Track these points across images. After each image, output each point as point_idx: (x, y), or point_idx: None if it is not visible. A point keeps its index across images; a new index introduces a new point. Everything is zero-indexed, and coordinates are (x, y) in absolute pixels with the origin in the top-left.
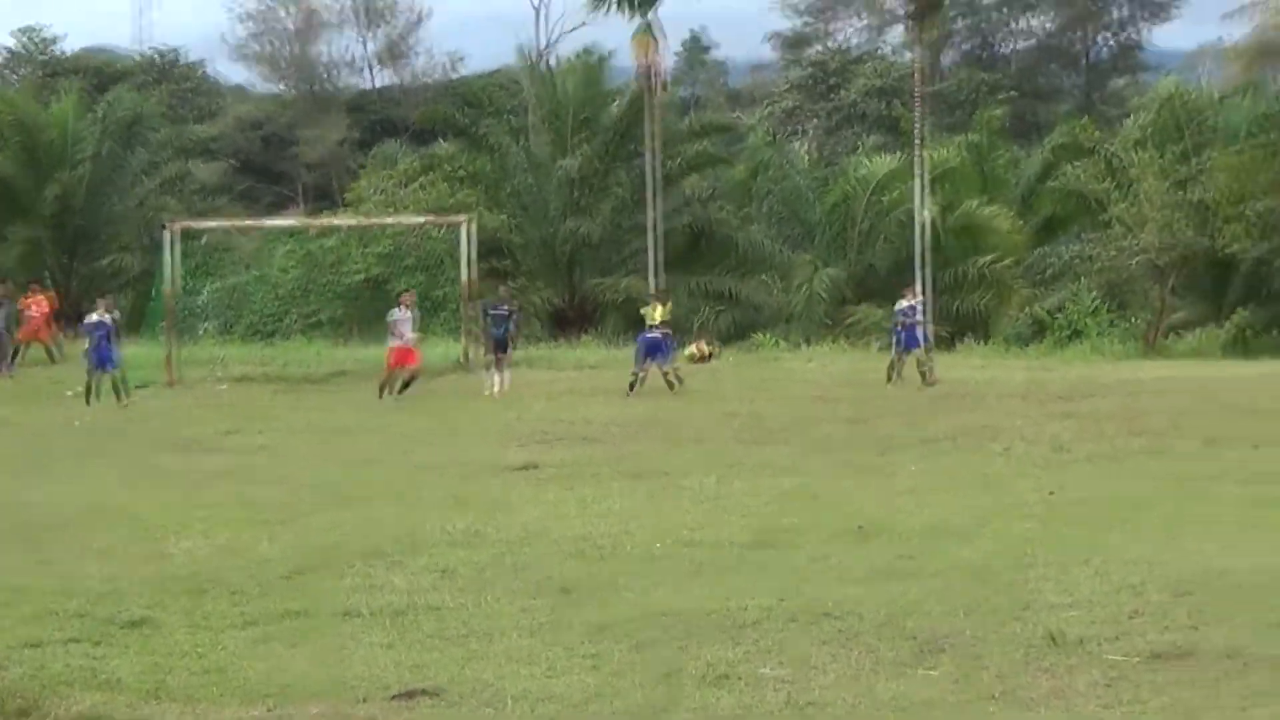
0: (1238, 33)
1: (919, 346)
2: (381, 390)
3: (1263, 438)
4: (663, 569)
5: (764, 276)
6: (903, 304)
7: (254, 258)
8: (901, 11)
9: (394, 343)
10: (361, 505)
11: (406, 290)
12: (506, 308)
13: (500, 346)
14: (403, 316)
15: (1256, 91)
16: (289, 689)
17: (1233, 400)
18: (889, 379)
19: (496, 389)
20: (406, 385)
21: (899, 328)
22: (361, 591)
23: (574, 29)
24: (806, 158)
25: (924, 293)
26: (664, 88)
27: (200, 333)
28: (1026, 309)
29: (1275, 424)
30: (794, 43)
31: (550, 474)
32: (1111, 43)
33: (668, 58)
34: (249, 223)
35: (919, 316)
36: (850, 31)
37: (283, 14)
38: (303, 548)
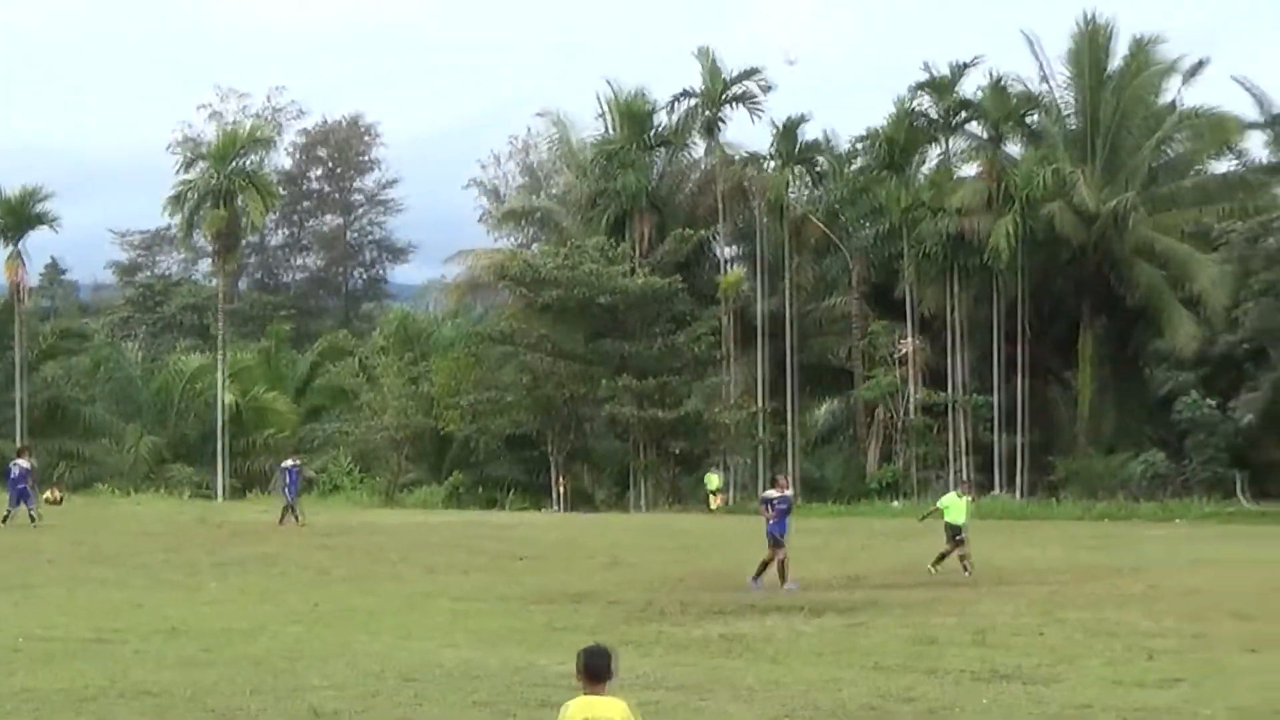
0: (455, 271)
1: (295, 495)
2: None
3: (471, 566)
4: (24, 658)
5: (104, 440)
6: (286, 463)
7: None
8: (209, 249)
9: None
10: None
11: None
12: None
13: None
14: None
15: (466, 315)
16: None
17: (447, 539)
18: (281, 520)
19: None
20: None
21: (289, 482)
22: None
23: None
24: (138, 354)
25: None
26: (28, 298)
27: None
28: None
29: (479, 556)
30: (129, 269)
31: None
32: (364, 277)
33: (32, 277)
34: None
35: (290, 480)
36: (170, 262)
37: None
38: None
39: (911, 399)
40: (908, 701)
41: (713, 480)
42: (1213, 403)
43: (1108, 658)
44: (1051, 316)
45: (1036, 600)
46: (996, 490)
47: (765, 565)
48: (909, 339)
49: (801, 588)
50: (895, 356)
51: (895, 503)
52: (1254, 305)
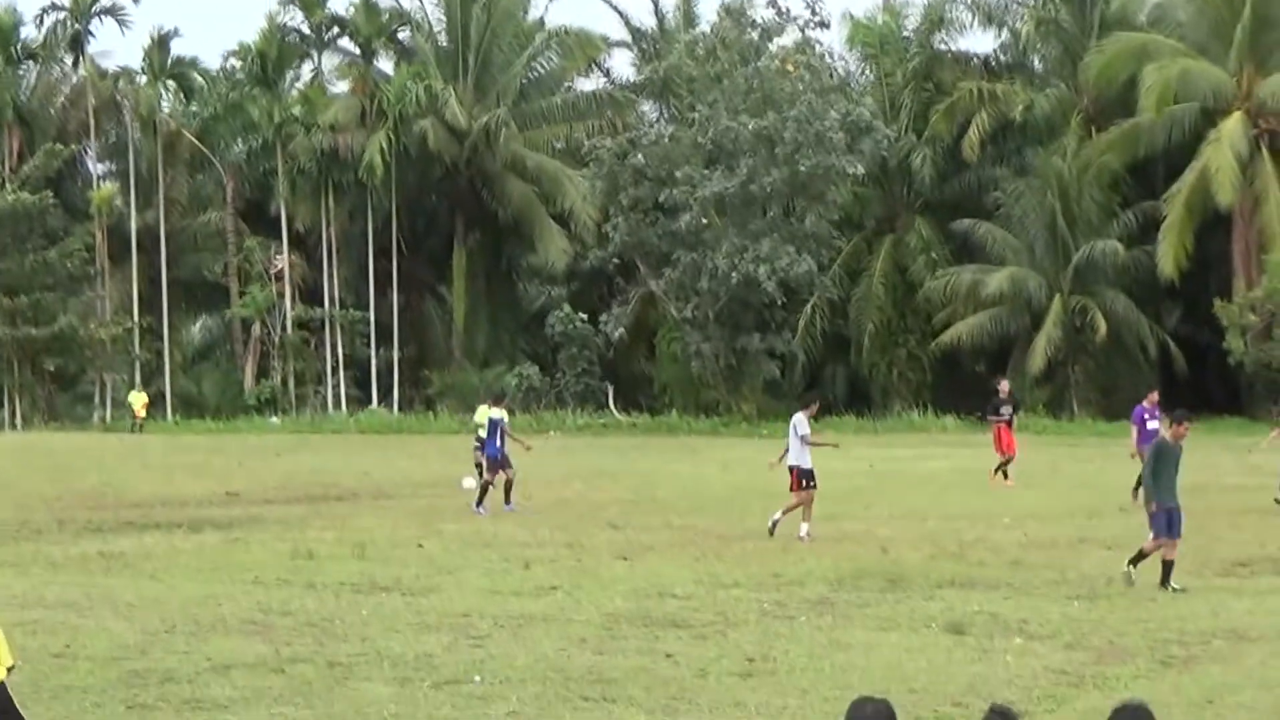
0: None
1: None
2: None
3: None
4: None
5: None
6: None
7: None
8: None
9: None
10: None
11: None
12: None
13: None
14: None
15: None
16: None
17: None
18: None
19: None
20: None
21: None
22: None
23: None
24: None
25: None
26: None
27: None
28: None
29: None
30: None
31: None
32: None
33: None
34: None
35: None
36: None
37: None
38: None
39: (287, 315)
40: (287, 615)
41: (139, 398)
42: (584, 317)
43: (485, 568)
44: (426, 232)
45: (415, 513)
46: (374, 404)
47: (508, 488)
48: (283, 255)
49: (180, 504)
50: (271, 273)
51: (274, 418)
52: (623, 221)
